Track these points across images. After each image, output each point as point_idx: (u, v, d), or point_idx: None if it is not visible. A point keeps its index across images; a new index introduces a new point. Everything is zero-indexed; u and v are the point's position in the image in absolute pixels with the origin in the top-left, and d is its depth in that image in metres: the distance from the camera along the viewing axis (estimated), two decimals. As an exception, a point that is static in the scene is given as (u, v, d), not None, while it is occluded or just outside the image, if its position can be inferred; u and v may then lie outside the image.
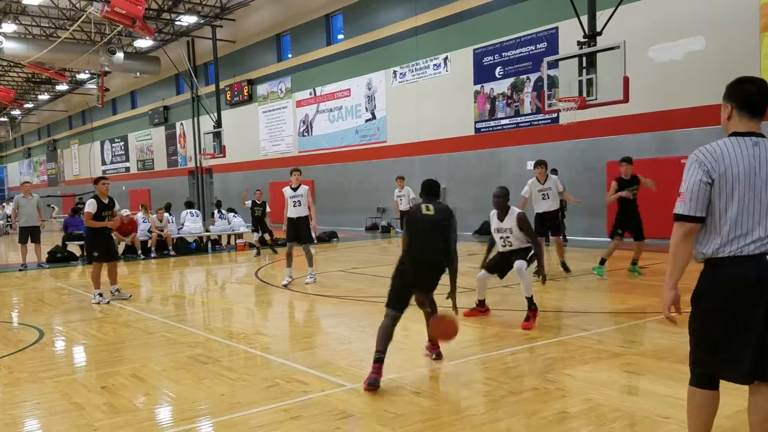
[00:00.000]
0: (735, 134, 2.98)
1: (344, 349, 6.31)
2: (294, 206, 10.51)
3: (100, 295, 9.42)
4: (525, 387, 4.83)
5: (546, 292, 9.36)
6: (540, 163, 10.59)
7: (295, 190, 10.55)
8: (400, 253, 5.34)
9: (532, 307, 6.82)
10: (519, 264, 6.88)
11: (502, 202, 6.99)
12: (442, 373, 5.34)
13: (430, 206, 5.27)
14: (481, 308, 7.48)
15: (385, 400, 4.60)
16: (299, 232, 10.56)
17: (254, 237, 16.14)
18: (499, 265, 7.29)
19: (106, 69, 30.54)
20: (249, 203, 16.06)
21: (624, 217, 10.26)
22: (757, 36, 13.02)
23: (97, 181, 9.56)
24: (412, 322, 7.44)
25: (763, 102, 2.97)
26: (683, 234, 2.98)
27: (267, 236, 16.05)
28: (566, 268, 10.75)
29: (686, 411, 3.17)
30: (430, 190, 5.45)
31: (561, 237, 11.13)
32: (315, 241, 10.91)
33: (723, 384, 3.05)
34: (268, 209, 16.02)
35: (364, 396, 4.74)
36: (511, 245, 7.07)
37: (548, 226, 10.64)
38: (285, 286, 10.33)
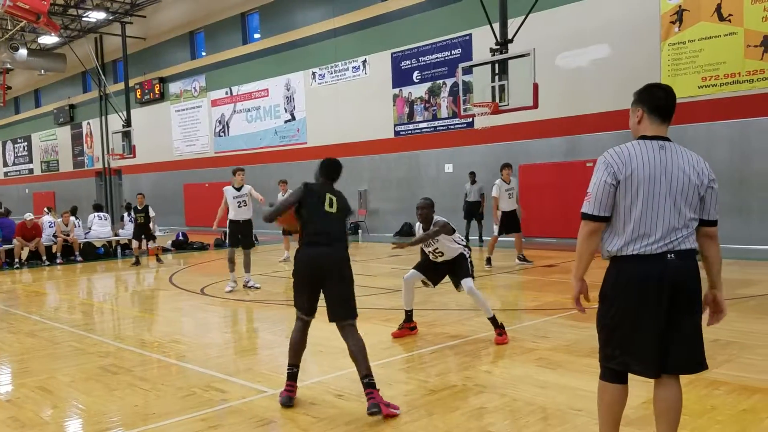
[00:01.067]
0: (643, 137, 3.11)
1: (265, 355, 6.23)
2: (239, 207, 10.05)
3: None
4: (445, 384, 4.93)
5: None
6: (507, 166, 11.61)
7: (238, 190, 10.11)
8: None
9: (499, 326, 6.22)
10: (468, 284, 6.22)
11: (426, 213, 6.31)
12: (363, 374, 5.36)
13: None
14: (409, 324, 6.62)
15: (308, 405, 4.58)
16: (242, 235, 10.11)
17: (134, 245, 14.93)
18: (433, 273, 6.59)
19: (8, 66, 28.94)
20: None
21: None
22: (657, 45, 13.84)
23: None
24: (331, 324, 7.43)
25: (671, 107, 3.13)
26: (588, 232, 3.11)
27: (151, 244, 15.21)
28: (524, 259, 11.75)
29: (597, 404, 3.30)
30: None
31: (521, 233, 11.89)
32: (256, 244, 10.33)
33: (630, 376, 3.20)
34: (152, 214, 14.99)
35: (285, 401, 4.69)
36: (443, 255, 6.40)
37: (511, 222, 11.57)
38: (229, 292, 9.85)
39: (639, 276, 3.03)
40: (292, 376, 4.66)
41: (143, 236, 14.93)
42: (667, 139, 3.12)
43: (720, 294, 3.21)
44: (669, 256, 3.00)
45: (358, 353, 4.40)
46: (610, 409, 3.22)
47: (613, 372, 3.19)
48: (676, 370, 3.11)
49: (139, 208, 14.86)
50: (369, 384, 4.34)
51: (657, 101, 3.11)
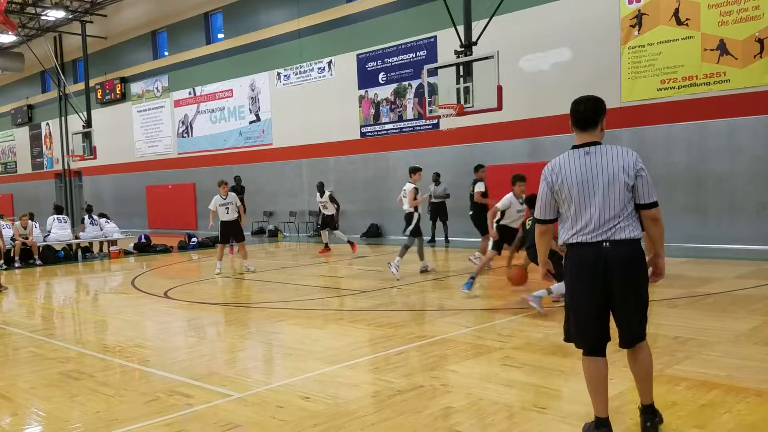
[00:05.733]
0: (573, 147, 3.62)
1: (230, 358, 6.17)
2: (227, 213, 12.61)
3: None
4: (412, 385, 4.94)
5: (430, 291, 9.64)
6: (518, 178, 9.18)
7: (224, 198, 12.56)
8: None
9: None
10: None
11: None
12: (331, 376, 5.35)
13: None
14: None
15: (274, 408, 4.54)
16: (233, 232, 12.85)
17: None
18: None
19: (-38, 65, 28.07)
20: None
21: None
22: (617, 48, 14.11)
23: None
24: (303, 327, 7.40)
25: (588, 118, 3.58)
26: (540, 232, 3.87)
27: None
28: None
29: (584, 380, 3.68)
30: None
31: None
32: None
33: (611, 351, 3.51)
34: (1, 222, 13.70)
35: (252, 406, 4.66)
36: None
37: (510, 238, 9.02)
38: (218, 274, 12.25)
39: (579, 261, 3.58)
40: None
41: None
42: (595, 143, 3.56)
43: (660, 260, 3.67)
44: (605, 244, 3.49)
45: None
46: (591, 380, 3.62)
47: (585, 347, 3.65)
48: (621, 344, 3.63)
49: None
50: None
51: (575, 115, 3.63)
